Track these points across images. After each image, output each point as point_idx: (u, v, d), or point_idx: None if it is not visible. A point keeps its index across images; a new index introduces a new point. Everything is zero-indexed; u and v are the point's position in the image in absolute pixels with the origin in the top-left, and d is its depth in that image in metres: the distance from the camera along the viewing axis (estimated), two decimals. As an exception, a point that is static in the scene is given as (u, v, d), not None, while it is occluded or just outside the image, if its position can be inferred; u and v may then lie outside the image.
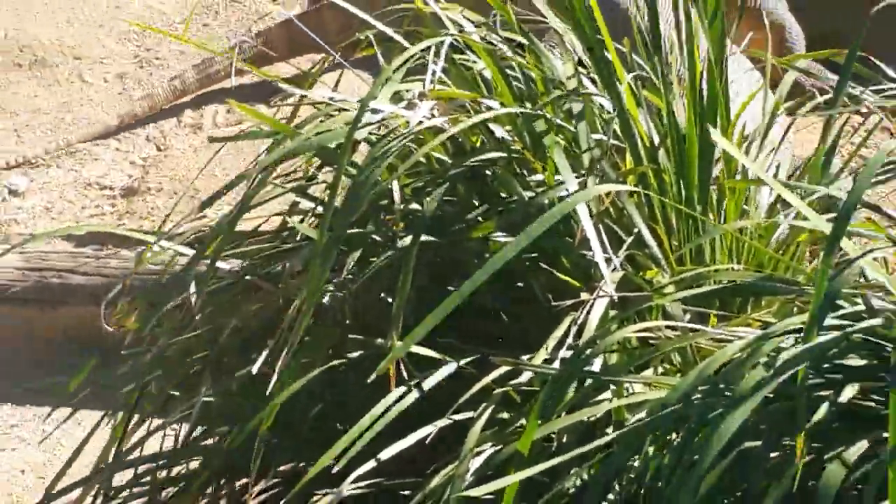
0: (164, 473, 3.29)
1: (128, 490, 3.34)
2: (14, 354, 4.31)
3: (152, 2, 5.78)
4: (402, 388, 2.80)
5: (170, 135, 5.23)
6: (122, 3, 5.77)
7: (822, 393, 2.47)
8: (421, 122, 2.98)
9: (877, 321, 2.52)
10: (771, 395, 2.48)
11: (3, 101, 5.44)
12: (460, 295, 2.61)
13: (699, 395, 2.51)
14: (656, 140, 3.14)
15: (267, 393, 2.84)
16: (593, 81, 3.17)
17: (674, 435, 2.55)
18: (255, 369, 2.84)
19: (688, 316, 2.91)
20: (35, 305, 4.32)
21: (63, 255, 4.31)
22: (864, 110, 3.27)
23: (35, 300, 4.31)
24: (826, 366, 2.56)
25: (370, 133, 3.03)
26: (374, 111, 2.96)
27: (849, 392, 2.43)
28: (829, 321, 2.48)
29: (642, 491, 2.54)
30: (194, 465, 3.25)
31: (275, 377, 2.83)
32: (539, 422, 2.54)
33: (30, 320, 4.34)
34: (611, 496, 2.58)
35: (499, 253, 2.64)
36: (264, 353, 2.85)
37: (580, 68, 3.17)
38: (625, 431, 2.51)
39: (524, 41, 3.22)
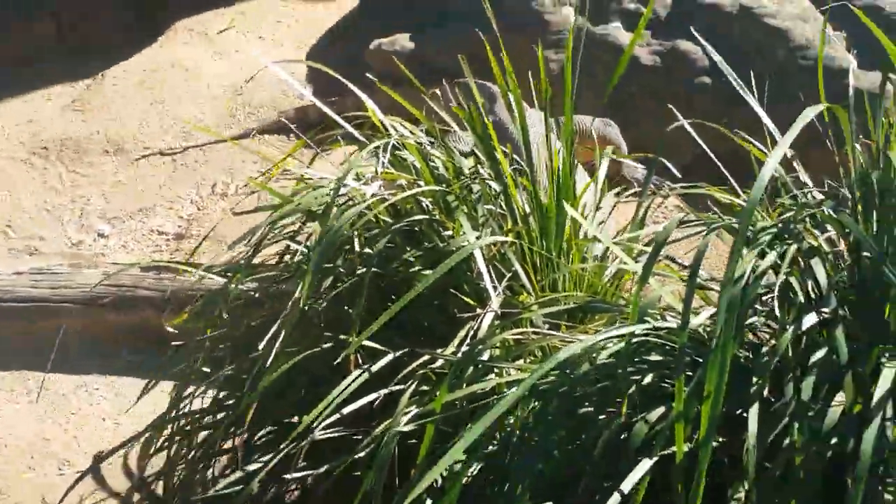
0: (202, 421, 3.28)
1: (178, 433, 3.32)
2: (94, 343, 4.29)
3: (198, 113, 5.75)
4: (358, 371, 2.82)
5: (206, 199, 5.19)
6: (178, 114, 5.73)
7: (634, 378, 2.49)
8: (374, 195, 3.01)
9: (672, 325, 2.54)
10: (598, 377, 2.50)
11: (95, 176, 5.41)
12: (398, 307, 2.62)
13: (553, 376, 2.52)
14: (528, 210, 3.16)
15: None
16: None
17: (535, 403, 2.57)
18: (260, 348, 2.83)
19: (547, 325, 2.93)
20: (112, 309, 4.29)
21: (133, 276, 4.30)
22: (663, 193, 3.30)
23: (113, 306, 4.28)
24: (636, 359, 2.59)
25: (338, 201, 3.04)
26: (345, 186, 2.98)
27: (649, 377, 2.44)
28: (639, 330, 2.50)
29: (514, 439, 2.55)
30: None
31: (271, 357, 2.84)
32: (447, 392, 2.55)
33: (108, 320, 4.30)
34: (495, 442, 2.59)
35: (423, 280, 2.66)
36: (265, 342, 2.84)
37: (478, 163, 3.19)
38: (503, 398, 2.50)
39: (440, 142, 3.24)
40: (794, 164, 2.88)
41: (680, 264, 3.04)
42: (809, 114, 2.21)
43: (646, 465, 2.26)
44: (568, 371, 2.45)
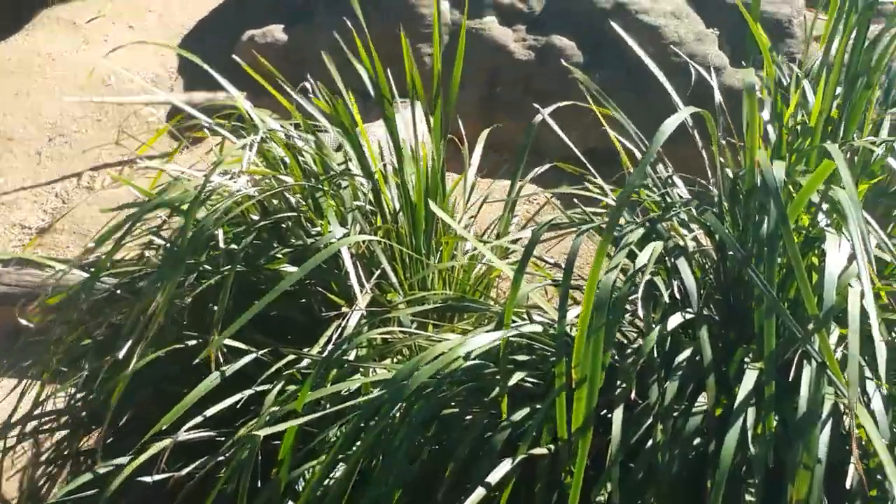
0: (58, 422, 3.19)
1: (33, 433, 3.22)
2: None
3: (65, 105, 5.62)
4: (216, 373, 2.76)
5: (72, 192, 5.08)
6: (44, 105, 5.61)
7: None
8: (239, 191, 2.95)
9: (537, 329, 2.53)
10: (465, 378, 2.48)
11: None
12: (258, 307, 2.57)
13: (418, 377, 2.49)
14: (397, 207, 3.13)
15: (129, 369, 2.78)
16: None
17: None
18: (121, 354, 2.75)
19: (415, 324, 2.91)
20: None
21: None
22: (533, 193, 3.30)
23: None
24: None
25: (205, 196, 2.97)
26: (210, 182, 2.91)
27: (515, 378, 2.43)
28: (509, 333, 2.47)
29: (382, 438, 2.53)
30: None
31: (135, 360, 2.77)
32: (310, 392, 2.51)
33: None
34: (359, 443, 2.55)
35: (286, 279, 2.61)
36: (129, 342, 2.76)
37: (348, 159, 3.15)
38: (368, 398, 2.48)
39: (312, 137, 3.19)
40: (661, 163, 2.88)
41: (547, 262, 3.03)
42: (671, 124, 2.21)
43: (506, 465, 2.24)
44: (435, 373, 2.41)
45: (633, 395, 2.22)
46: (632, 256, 2.34)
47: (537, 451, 2.25)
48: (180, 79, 5.74)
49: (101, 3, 6.48)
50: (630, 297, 2.26)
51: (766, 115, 2.76)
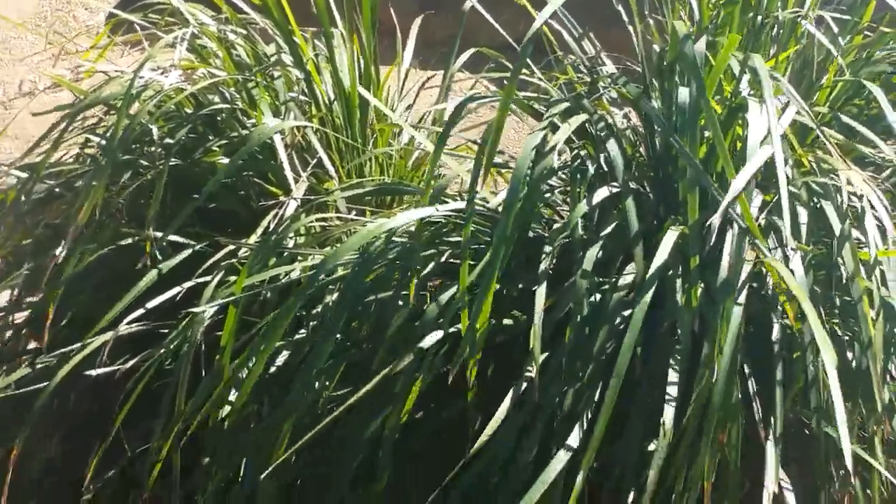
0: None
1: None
2: None
3: (2, 12, 5.55)
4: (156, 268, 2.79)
5: (13, 98, 5.05)
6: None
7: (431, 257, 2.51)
8: (171, 85, 2.95)
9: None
10: (396, 258, 2.51)
11: None
12: (198, 202, 2.59)
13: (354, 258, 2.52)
14: (332, 97, 3.14)
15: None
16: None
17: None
18: (59, 253, 2.76)
19: (354, 212, 2.93)
20: None
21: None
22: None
23: None
24: (437, 240, 2.61)
25: (139, 92, 2.97)
26: (141, 77, 2.91)
27: (445, 256, 2.46)
28: (437, 211, 2.49)
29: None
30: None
31: (74, 259, 2.79)
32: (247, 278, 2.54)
33: None
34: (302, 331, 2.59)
35: (219, 171, 2.63)
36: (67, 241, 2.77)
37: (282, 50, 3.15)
38: (308, 276, 2.50)
39: (244, 31, 3.18)
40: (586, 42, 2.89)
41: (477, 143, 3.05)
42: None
43: (438, 334, 2.28)
44: (365, 255, 2.44)
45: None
46: (554, 130, 2.36)
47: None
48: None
49: None
50: (546, 172, 2.27)
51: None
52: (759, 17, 2.65)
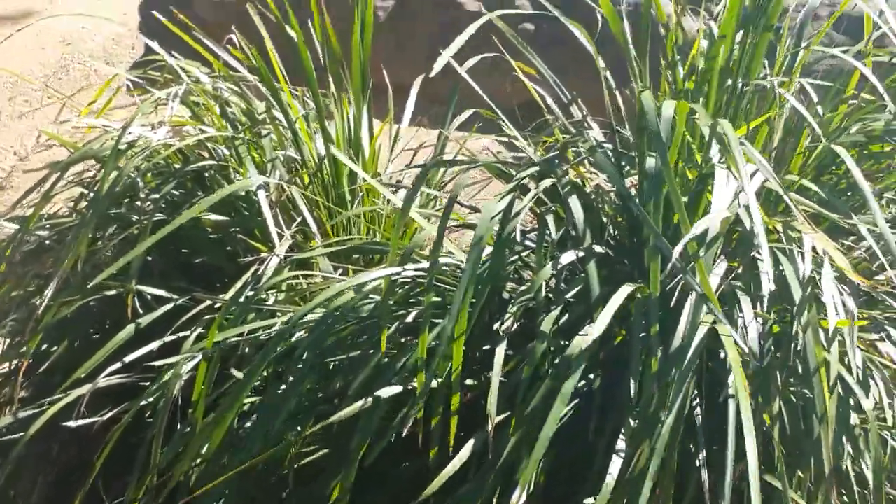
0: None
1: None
2: None
3: (29, 63, 5.66)
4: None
5: (31, 150, 5.13)
6: (5, 64, 5.65)
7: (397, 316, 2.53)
8: (159, 141, 3.00)
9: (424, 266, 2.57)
10: (366, 316, 2.53)
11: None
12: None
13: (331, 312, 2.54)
14: (322, 154, 3.17)
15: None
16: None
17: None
18: (40, 304, 2.81)
19: (339, 271, 2.96)
20: None
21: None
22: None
23: None
24: (411, 299, 2.63)
25: (129, 147, 3.02)
26: (130, 133, 2.96)
27: (412, 315, 2.48)
28: (405, 270, 2.52)
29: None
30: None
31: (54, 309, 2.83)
32: (223, 332, 2.57)
33: None
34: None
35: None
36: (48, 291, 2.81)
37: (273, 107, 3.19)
38: (274, 337, 2.53)
39: (237, 89, 3.23)
40: (573, 105, 2.92)
41: (463, 205, 3.07)
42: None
43: (393, 389, 2.30)
44: (333, 312, 2.47)
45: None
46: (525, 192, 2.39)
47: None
48: (141, 37, 5.76)
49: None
50: (510, 235, 2.29)
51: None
52: (739, 84, 2.67)
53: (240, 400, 2.46)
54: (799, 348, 2.23)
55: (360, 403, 2.26)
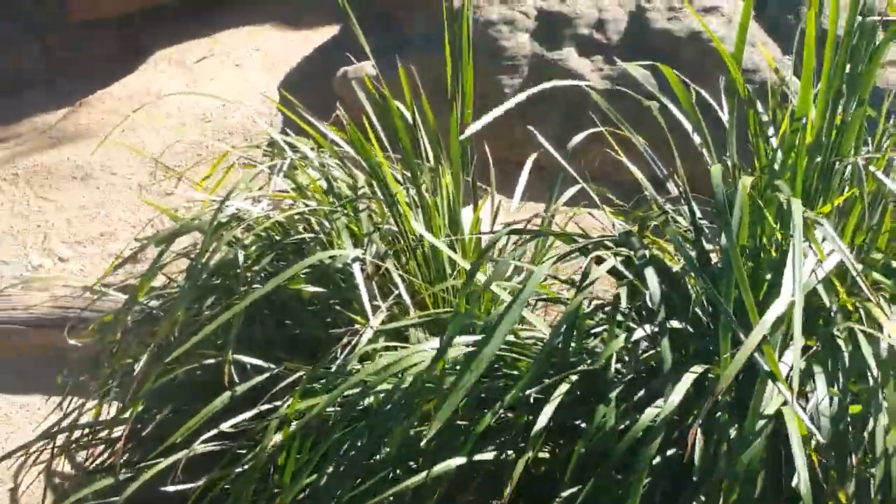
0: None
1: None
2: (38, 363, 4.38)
3: (168, 140, 5.86)
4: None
5: (167, 224, 5.29)
6: (147, 142, 5.86)
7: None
8: (258, 215, 3.09)
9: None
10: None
11: (62, 201, 5.53)
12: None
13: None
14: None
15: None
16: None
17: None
18: (136, 373, 2.90)
19: (435, 340, 2.99)
20: (58, 331, 4.33)
21: (84, 299, 4.36)
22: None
23: (58, 327, 4.32)
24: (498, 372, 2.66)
25: (232, 219, 3.12)
26: (228, 205, 3.05)
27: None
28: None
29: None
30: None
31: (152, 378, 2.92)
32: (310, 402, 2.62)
33: (53, 342, 4.35)
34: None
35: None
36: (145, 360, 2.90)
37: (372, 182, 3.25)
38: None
39: (340, 163, 3.31)
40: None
41: (558, 279, 3.08)
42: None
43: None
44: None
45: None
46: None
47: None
48: (279, 115, 5.92)
49: (209, 44, 6.74)
50: (587, 310, 2.31)
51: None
52: (831, 160, 2.65)
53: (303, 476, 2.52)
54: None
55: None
